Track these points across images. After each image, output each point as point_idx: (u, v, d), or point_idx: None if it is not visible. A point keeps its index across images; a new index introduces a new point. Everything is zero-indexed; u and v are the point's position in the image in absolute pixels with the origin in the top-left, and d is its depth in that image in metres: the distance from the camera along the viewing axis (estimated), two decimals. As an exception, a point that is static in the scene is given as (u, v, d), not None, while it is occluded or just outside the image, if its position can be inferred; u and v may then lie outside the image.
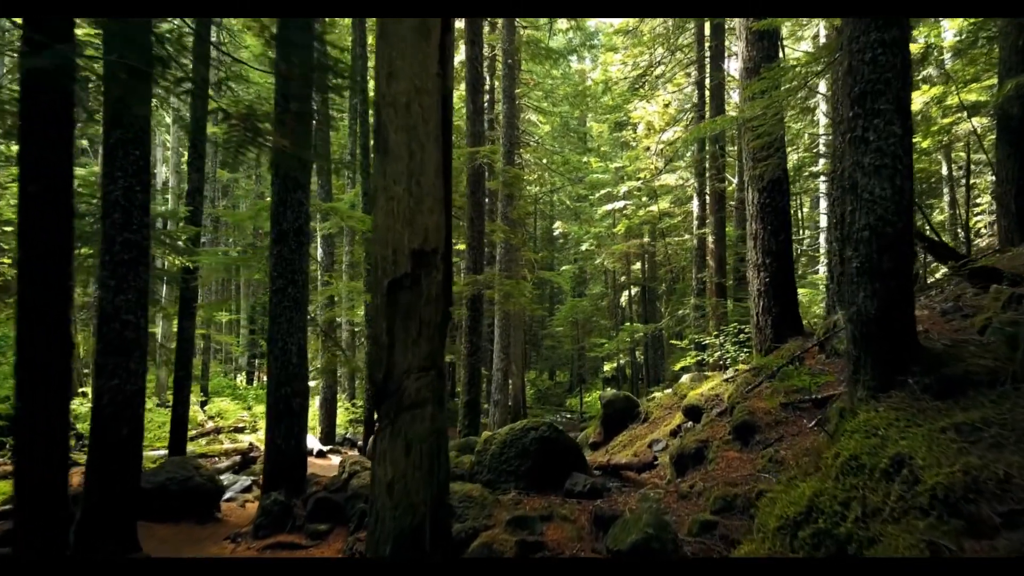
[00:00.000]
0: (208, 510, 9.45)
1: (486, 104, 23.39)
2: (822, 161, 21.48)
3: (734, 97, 23.38)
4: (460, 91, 18.05)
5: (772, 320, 8.29)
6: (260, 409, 21.02)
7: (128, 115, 6.51)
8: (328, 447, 16.10)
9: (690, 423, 7.83)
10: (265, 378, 25.66)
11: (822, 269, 21.49)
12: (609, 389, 29.57)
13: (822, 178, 21.02)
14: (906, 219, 3.46)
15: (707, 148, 17.79)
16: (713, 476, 5.73)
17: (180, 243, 10.66)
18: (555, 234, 33.00)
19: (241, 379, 27.54)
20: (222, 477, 12.77)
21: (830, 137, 19.62)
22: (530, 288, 25.25)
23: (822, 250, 21.69)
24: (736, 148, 19.96)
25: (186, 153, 12.92)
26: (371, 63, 18.68)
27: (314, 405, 18.12)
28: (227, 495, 11.46)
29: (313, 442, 16.30)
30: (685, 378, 12.44)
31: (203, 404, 20.95)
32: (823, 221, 21.57)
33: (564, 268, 31.05)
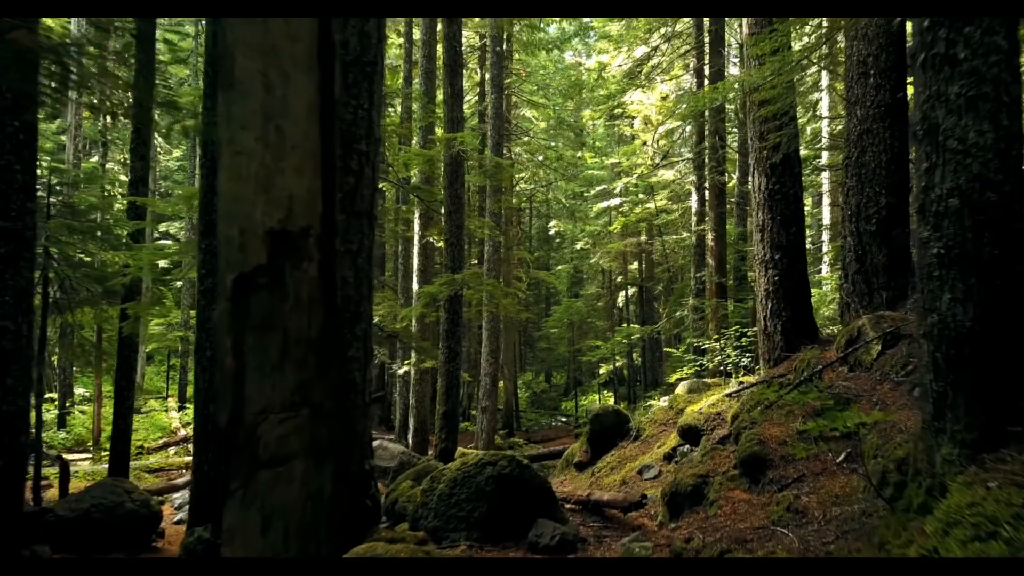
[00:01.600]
0: (142, 540, 8.19)
1: (477, 97, 22.14)
2: (826, 155, 20.18)
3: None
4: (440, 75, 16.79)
5: (782, 325, 7.01)
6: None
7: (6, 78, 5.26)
8: (303, 457, 14.83)
9: (687, 446, 6.55)
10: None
11: (825, 268, 20.20)
12: (605, 392, 28.28)
13: (825, 174, 19.75)
14: (1016, 179, 2.21)
15: (706, 139, 16.50)
16: (715, 525, 4.45)
17: (122, 237, 9.42)
18: (551, 233, 31.70)
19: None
20: (177, 495, 11.51)
21: (836, 128, 18.28)
22: (523, 288, 23.98)
23: (825, 248, 20.39)
24: (738, 140, 18.67)
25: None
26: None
27: None
28: (177, 517, 10.21)
29: (287, 452, 15.03)
30: (681, 387, 11.16)
31: (180, 410, 19.73)
32: (826, 217, 20.27)
33: (559, 268, 29.76)
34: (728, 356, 12.86)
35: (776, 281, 7.09)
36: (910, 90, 10.93)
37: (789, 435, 4.85)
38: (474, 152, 14.05)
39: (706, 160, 16.44)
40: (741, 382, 7.14)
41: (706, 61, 16.46)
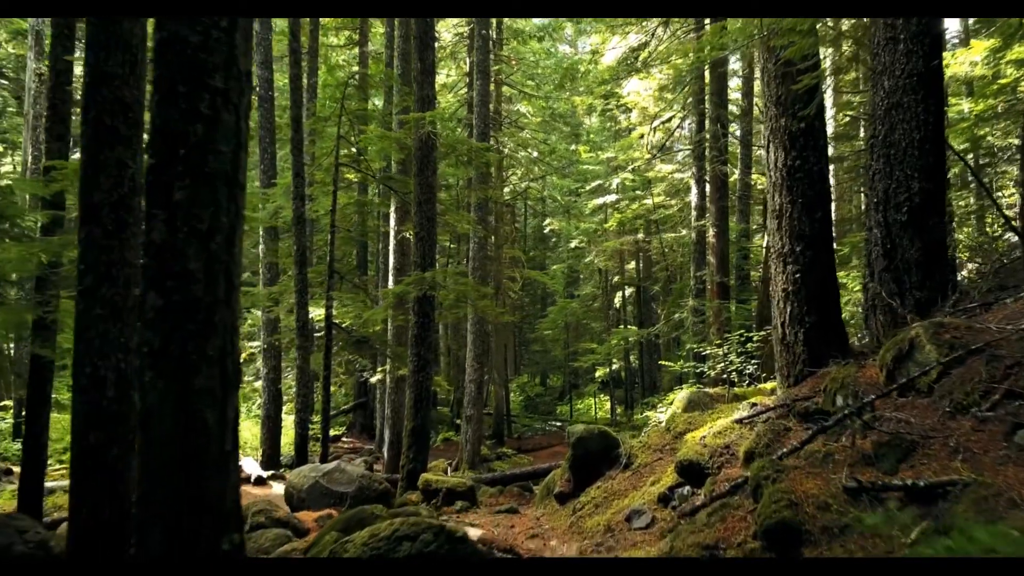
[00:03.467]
0: (37, 588, 6.74)
1: (467, 88, 20.68)
2: (831, 144, 18.73)
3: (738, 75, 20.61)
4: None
5: (805, 333, 5.56)
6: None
7: None
8: (270, 472, 13.40)
9: (687, 487, 5.10)
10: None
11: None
12: (602, 396, 26.74)
13: (831, 166, 18.29)
14: None
15: (707, 127, 15.03)
16: (730, 632, 2.97)
17: (34, 229, 7.98)
18: (546, 232, 30.18)
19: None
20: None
21: (843, 120, 16.79)
22: (517, 289, 22.52)
23: (833, 245, 18.90)
24: (740, 130, 17.21)
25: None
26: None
27: (251, 426, 15.47)
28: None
29: (252, 467, 13.62)
30: (679, 400, 9.71)
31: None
32: (832, 211, 18.82)
33: (554, 268, 28.27)
34: (732, 363, 11.44)
35: (797, 279, 5.63)
36: (946, 57, 9.48)
37: (832, 493, 3.38)
38: (463, 145, 12.62)
39: (707, 151, 14.97)
40: (754, 403, 5.67)
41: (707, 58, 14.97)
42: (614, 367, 24.45)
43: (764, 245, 14.37)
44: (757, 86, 18.76)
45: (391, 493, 8.89)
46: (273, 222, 13.51)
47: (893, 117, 6.92)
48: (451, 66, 21.45)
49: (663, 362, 14.11)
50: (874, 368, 4.92)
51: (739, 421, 5.40)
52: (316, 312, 12.45)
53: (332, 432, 19.61)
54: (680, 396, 10.03)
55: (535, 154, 22.93)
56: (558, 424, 25.52)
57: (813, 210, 5.68)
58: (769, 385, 9.90)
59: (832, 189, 19.76)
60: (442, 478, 8.20)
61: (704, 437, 5.52)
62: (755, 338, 11.49)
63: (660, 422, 11.74)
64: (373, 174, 11.08)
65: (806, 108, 5.48)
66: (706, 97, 15.26)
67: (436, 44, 20.63)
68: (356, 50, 19.55)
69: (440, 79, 22.73)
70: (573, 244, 24.76)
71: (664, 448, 6.64)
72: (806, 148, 5.70)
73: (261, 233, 14.03)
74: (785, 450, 3.94)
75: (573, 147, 24.47)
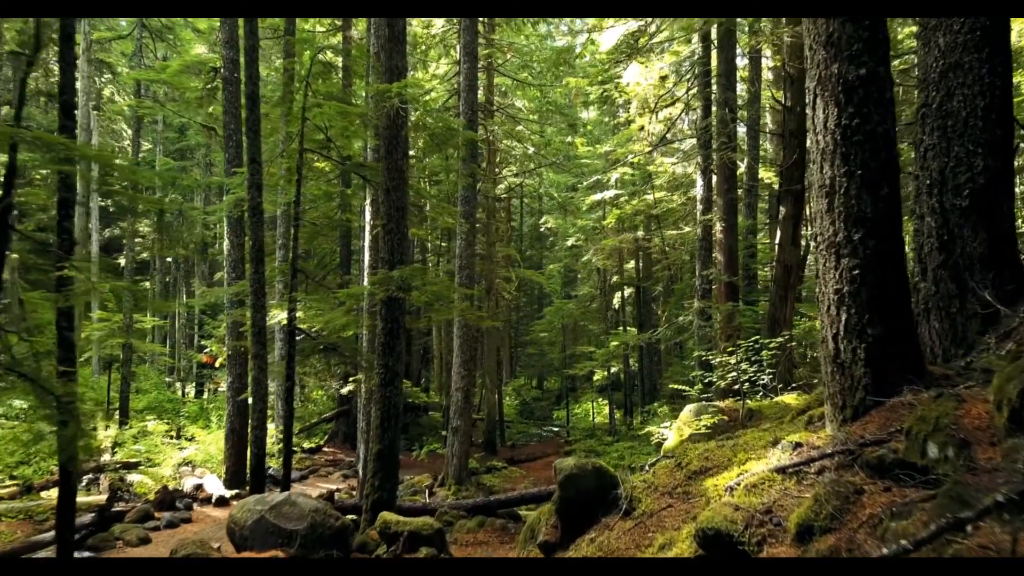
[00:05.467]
0: None
1: (455, 75, 19.19)
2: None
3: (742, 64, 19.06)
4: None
5: (867, 349, 4.06)
6: (190, 431, 16.92)
7: None
8: (233, 491, 11.90)
9: (713, 567, 3.55)
10: (218, 388, 21.27)
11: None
12: (600, 400, 25.22)
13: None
14: None
15: (714, 112, 13.52)
16: None
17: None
18: (543, 230, 28.61)
19: (190, 391, 23.34)
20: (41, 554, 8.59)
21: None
22: (512, 290, 21.01)
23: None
24: (747, 119, 15.69)
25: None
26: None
27: (218, 439, 13.98)
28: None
29: (215, 485, 12.15)
30: (685, 418, 8.23)
31: (122, 426, 16.79)
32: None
33: (550, 267, 26.71)
34: (744, 372, 9.91)
35: (856, 276, 4.12)
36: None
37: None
38: (436, 122, 11.10)
39: (713, 139, 13.45)
40: (798, 443, 4.16)
41: (714, 23, 13.46)
42: (613, 370, 22.93)
43: (776, 242, 12.86)
44: (766, 75, 17.26)
45: (349, 530, 7.39)
46: (236, 213, 12.04)
47: (950, 81, 5.46)
48: (442, 53, 19.98)
49: (674, 386, 12.48)
50: (979, 403, 3.41)
51: (781, 471, 3.89)
52: (283, 315, 10.92)
53: (312, 444, 18.14)
54: (685, 412, 8.54)
55: (531, 149, 21.41)
56: (555, 429, 24.01)
57: (876, 185, 4.16)
58: (788, 398, 8.43)
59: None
60: (404, 519, 6.69)
61: (732, 489, 4.02)
62: (771, 345, 9.98)
63: (664, 438, 10.23)
64: (341, 160, 9.58)
65: (851, 70, 3.98)
66: (713, 79, 13.76)
67: (426, 31, 19.14)
68: (340, 36, 18.08)
69: (431, 69, 21.26)
70: (570, 242, 23.22)
71: (675, 491, 5.12)
72: (867, 102, 4.18)
73: (225, 226, 12.52)
74: (885, 551, 2.41)
75: (570, 140, 22.92)
